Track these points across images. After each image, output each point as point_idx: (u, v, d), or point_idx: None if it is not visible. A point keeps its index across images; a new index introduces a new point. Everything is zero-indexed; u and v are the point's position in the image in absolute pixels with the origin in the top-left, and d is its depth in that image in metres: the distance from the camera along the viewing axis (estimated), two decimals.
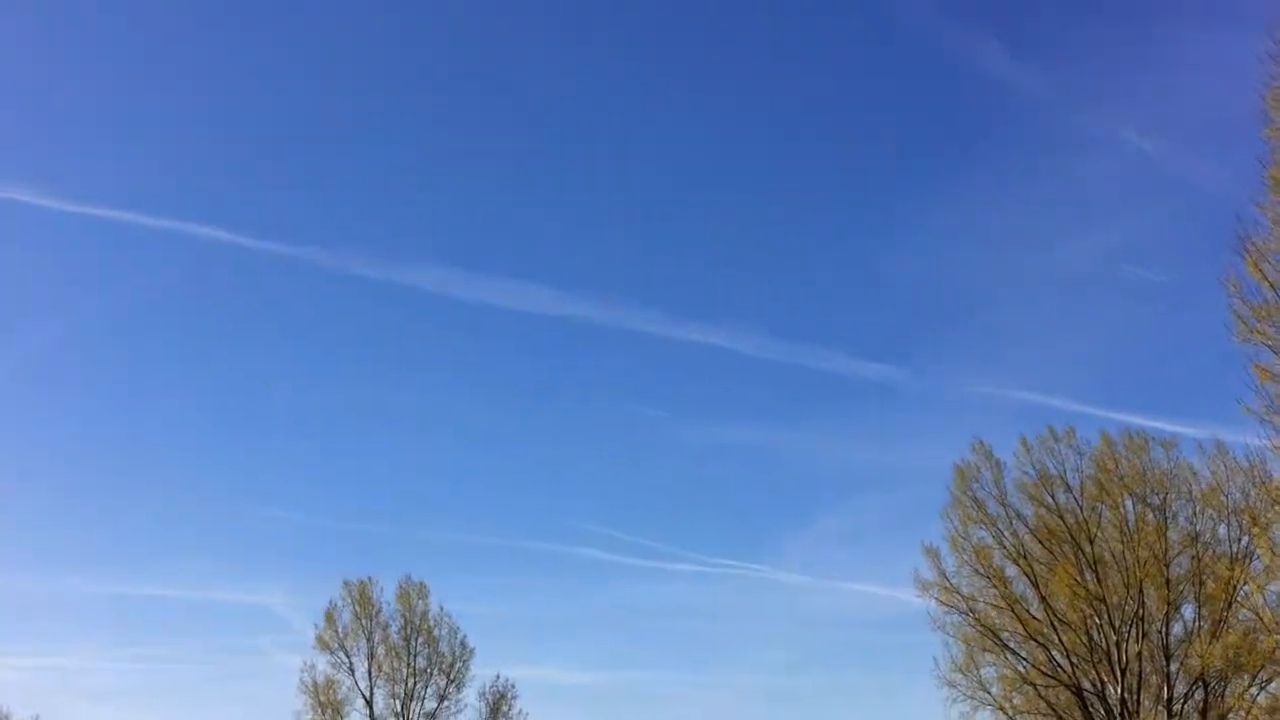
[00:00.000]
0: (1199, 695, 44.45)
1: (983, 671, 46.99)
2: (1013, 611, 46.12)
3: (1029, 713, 47.81)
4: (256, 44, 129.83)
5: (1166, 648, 44.79)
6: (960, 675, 47.28)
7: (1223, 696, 44.11)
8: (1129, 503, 45.07)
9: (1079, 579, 44.77)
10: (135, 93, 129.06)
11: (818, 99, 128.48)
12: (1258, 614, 43.89)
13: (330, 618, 64.27)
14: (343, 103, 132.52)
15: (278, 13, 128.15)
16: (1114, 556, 44.92)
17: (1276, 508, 36.22)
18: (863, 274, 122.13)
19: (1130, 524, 44.62)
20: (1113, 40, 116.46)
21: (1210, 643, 43.11)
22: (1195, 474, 44.65)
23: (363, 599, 64.65)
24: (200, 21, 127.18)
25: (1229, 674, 43.67)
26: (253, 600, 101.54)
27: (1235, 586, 43.27)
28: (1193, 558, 44.39)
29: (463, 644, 64.61)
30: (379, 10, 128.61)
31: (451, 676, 63.99)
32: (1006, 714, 47.85)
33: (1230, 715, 44.06)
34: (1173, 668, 44.66)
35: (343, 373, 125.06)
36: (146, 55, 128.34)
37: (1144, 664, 44.76)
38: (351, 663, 63.85)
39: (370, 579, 65.11)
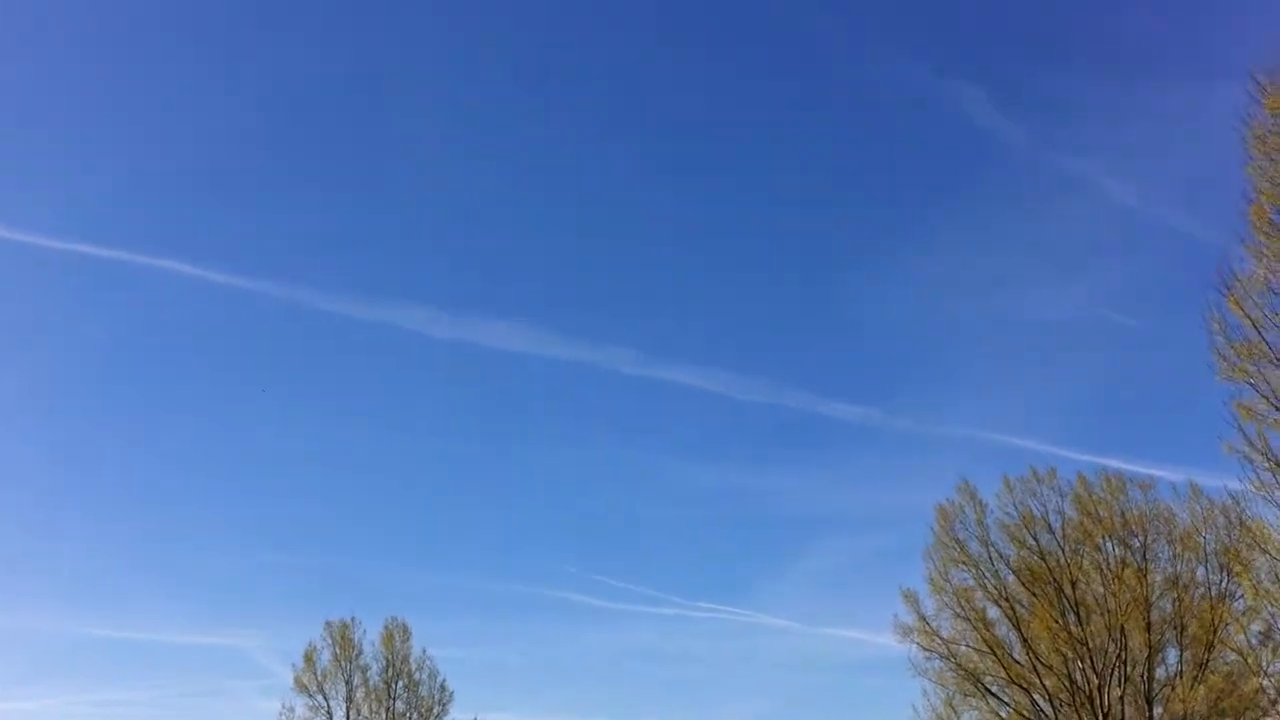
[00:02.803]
0: None
1: (962, 718, 46.79)
2: (995, 655, 45.93)
3: None
4: (238, 82, 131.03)
5: (1149, 691, 44.60)
6: None
7: None
8: (1110, 545, 45.14)
9: (1061, 621, 44.68)
10: (115, 126, 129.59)
11: (801, 144, 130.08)
12: (1241, 654, 43.89)
13: (309, 659, 63.48)
14: (330, 142, 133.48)
15: (261, 53, 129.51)
16: (1096, 599, 44.88)
17: (1256, 547, 36.32)
18: (844, 317, 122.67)
19: (1111, 566, 44.65)
20: (1094, 90, 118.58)
21: (1193, 686, 43.01)
22: (1174, 516, 44.88)
23: (343, 640, 63.96)
24: (185, 60, 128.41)
25: (1212, 718, 43.48)
26: (229, 643, 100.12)
27: (1217, 628, 43.24)
28: (1174, 600, 44.40)
29: (442, 687, 63.83)
30: (358, 51, 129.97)
31: None
32: None
33: None
34: (1156, 712, 44.44)
35: (325, 413, 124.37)
36: (131, 89, 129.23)
37: (1126, 708, 44.53)
38: (329, 706, 62.99)
39: (352, 620, 64.48)
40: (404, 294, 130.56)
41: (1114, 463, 48.64)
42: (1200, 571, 44.18)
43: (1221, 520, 43.45)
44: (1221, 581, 43.54)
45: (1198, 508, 44.29)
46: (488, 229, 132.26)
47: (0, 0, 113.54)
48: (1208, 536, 43.80)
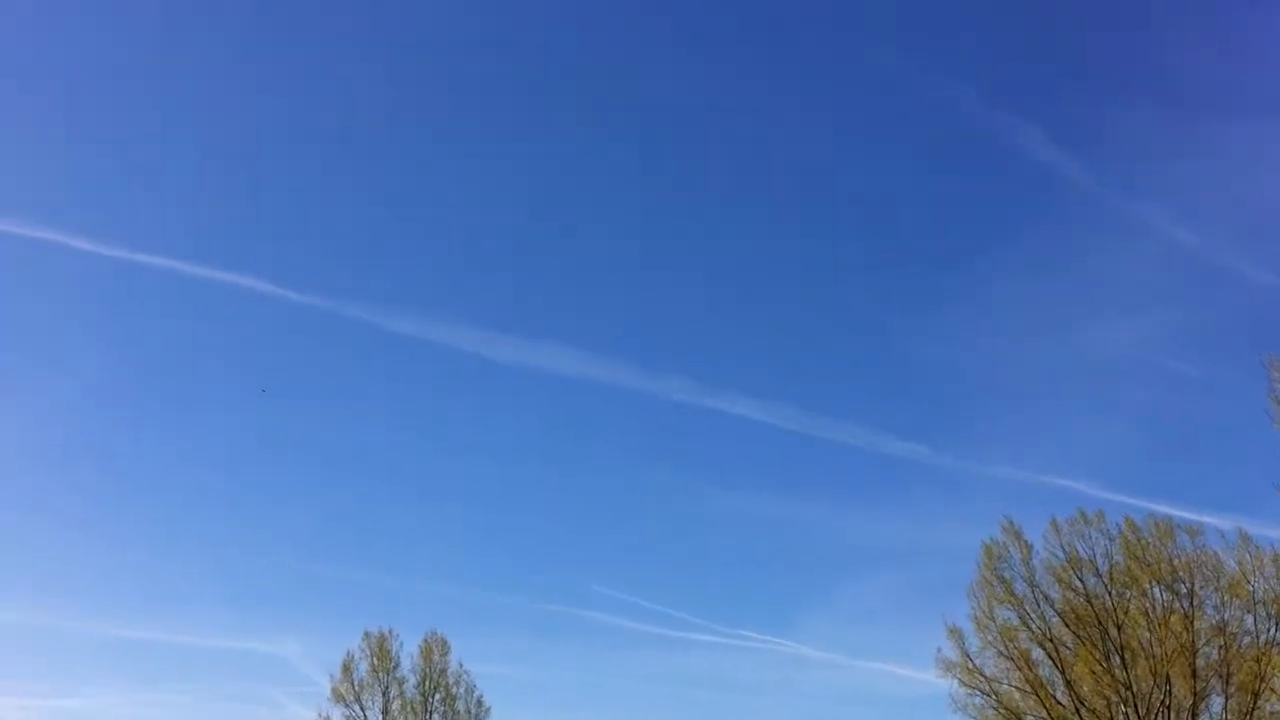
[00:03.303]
0: None
1: None
2: (1037, 695, 45.94)
3: None
4: (276, 96, 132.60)
5: None
6: None
7: None
8: (1156, 590, 45.11)
9: (1105, 665, 44.69)
10: (140, 132, 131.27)
11: (857, 181, 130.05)
12: None
13: (347, 669, 64.13)
14: (368, 157, 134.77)
15: (276, 65, 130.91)
16: (1141, 644, 44.85)
17: None
18: (895, 353, 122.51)
19: (1157, 611, 44.62)
20: (1153, 128, 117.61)
21: None
22: (1221, 563, 44.79)
23: (381, 652, 64.57)
24: (223, 66, 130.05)
25: None
26: (269, 649, 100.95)
27: (1264, 676, 43.12)
28: (1220, 648, 44.29)
29: (479, 702, 64.29)
30: (395, 64, 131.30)
31: None
32: None
33: None
34: None
35: (377, 429, 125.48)
36: (176, 99, 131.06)
37: None
38: (366, 716, 63.68)
39: (390, 631, 65.05)
40: (465, 316, 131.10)
41: (1161, 508, 48.56)
42: (1248, 620, 44.07)
43: (1271, 569, 43.43)
44: (1270, 630, 43.45)
45: (1246, 555, 44.30)
46: (551, 254, 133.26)
47: (50, 14, 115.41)
48: (1256, 584, 43.70)
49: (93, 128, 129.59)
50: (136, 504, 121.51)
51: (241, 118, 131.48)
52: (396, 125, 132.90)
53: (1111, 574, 45.38)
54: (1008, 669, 46.86)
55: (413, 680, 64.22)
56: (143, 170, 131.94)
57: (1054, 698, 46.01)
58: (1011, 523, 47.71)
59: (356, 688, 64.34)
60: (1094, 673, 44.63)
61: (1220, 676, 44.25)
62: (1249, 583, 44.41)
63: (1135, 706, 44.29)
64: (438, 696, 63.80)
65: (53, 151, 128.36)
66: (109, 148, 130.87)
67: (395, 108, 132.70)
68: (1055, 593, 46.10)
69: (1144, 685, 44.45)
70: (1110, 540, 45.74)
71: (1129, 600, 45.35)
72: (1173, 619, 43.98)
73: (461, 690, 63.95)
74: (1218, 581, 44.82)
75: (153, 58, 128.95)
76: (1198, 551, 45.36)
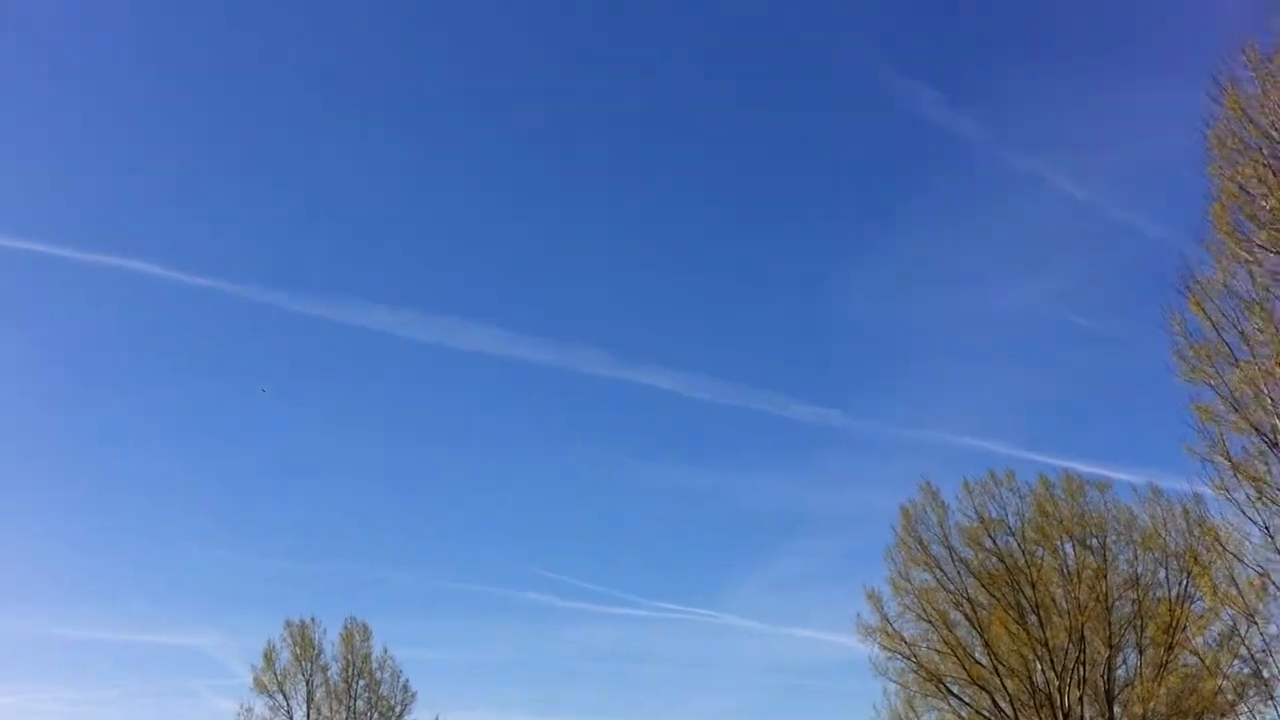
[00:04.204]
0: None
1: (923, 718, 46.60)
2: (956, 656, 45.66)
3: None
4: (221, 87, 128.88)
5: (1109, 692, 44.46)
6: None
7: None
8: (1068, 546, 44.96)
9: (1021, 623, 44.48)
10: (98, 131, 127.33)
11: (757, 145, 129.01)
12: (1199, 656, 43.85)
13: (269, 659, 62.93)
14: (301, 144, 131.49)
15: (245, 57, 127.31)
16: (1054, 600, 44.69)
17: (1216, 549, 36.12)
18: (803, 318, 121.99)
19: (1070, 567, 44.46)
20: (1049, 86, 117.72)
21: (1153, 686, 42.88)
22: (1134, 518, 44.66)
23: (303, 640, 63.31)
24: (143, 56, 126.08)
25: (1173, 718, 43.40)
26: (187, 642, 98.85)
27: (1176, 629, 43.12)
28: (1133, 601, 44.23)
29: (405, 687, 63.40)
30: (336, 55, 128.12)
31: None
32: None
33: None
34: (1115, 712, 44.33)
35: (291, 414, 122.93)
36: (122, 95, 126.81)
37: (1086, 708, 44.41)
38: (289, 705, 62.44)
39: (312, 620, 63.92)
40: (375, 296, 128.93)
41: (1076, 465, 48.39)
42: (1160, 573, 44.01)
43: (1182, 522, 43.34)
44: (1182, 583, 43.39)
45: (1158, 509, 44.14)
46: (461, 231, 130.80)
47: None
48: (1169, 538, 43.60)
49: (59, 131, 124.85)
50: (48, 496, 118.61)
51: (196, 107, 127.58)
52: (327, 103, 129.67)
53: (1024, 532, 45.10)
54: (927, 631, 46.55)
55: (335, 668, 63.13)
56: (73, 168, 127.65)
57: (973, 658, 45.78)
58: (929, 484, 47.32)
59: (279, 677, 63.18)
60: (1010, 631, 44.39)
61: (1135, 629, 44.22)
62: (1161, 535, 44.32)
63: (1051, 663, 44.15)
64: (361, 683, 62.72)
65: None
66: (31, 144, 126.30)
67: (335, 86, 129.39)
68: (970, 554, 45.80)
69: (1060, 641, 44.30)
70: (1022, 499, 45.48)
71: (1042, 558, 45.13)
72: (1085, 574, 43.82)
73: (386, 675, 63.06)
74: (1130, 535, 44.75)
75: (96, 48, 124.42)
76: (1110, 506, 45.30)
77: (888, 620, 46.90)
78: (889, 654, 46.97)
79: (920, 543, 46.79)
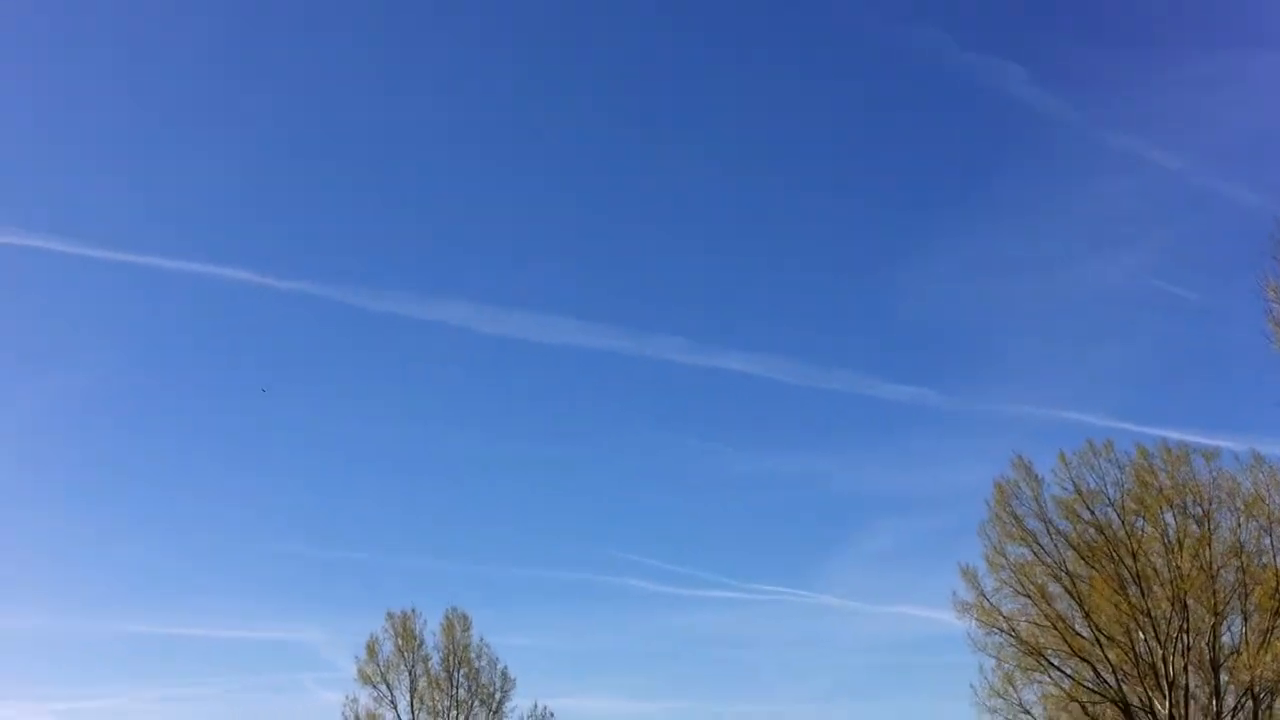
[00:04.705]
0: (1249, 707, 43.91)
1: (1023, 693, 46.69)
2: (1055, 629, 45.72)
3: None
4: (261, 82, 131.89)
5: (1214, 660, 44.33)
6: (999, 700, 47.02)
7: (1271, 708, 43.55)
8: (1169, 516, 44.74)
9: (1122, 593, 44.40)
10: (146, 137, 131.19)
11: (842, 129, 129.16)
12: None
13: (372, 650, 64.56)
14: (358, 140, 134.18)
15: (281, 56, 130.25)
16: (1156, 570, 44.56)
17: None
18: (893, 298, 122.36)
19: (1171, 537, 44.28)
20: (1133, 62, 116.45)
21: (1259, 653, 42.63)
22: (1237, 485, 44.32)
23: (405, 631, 64.92)
24: (209, 64, 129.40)
25: (1279, 685, 43.15)
26: (292, 637, 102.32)
27: None
28: (1238, 569, 43.94)
29: (504, 674, 64.71)
30: (392, 52, 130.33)
31: (493, 708, 64.04)
32: None
33: None
34: (1221, 680, 44.19)
35: (380, 411, 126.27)
36: (153, 96, 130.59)
37: (1191, 677, 44.30)
38: (394, 696, 64.06)
39: (413, 610, 65.44)
40: (457, 293, 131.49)
41: (1172, 434, 48.05)
42: (1265, 540, 43.70)
43: None
44: None
45: (1260, 475, 43.85)
46: (532, 224, 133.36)
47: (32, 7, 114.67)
48: (1273, 503, 43.24)
49: (62, 128, 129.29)
50: (145, 501, 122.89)
51: (228, 113, 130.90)
52: (389, 101, 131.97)
53: (1124, 503, 44.99)
54: (1025, 605, 46.65)
55: (436, 658, 64.65)
56: (118, 169, 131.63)
57: (1073, 630, 45.82)
58: (1021, 458, 47.32)
59: (382, 668, 64.80)
60: (1112, 602, 44.34)
61: (1239, 597, 43.96)
62: (1265, 501, 43.99)
63: (1154, 632, 44.07)
64: (462, 672, 64.21)
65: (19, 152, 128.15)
66: (82, 148, 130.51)
67: (374, 90, 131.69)
68: (1067, 526, 45.78)
69: (1162, 611, 44.19)
70: (1120, 469, 45.35)
71: (1142, 529, 45.00)
72: (1188, 543, 43.63)
73: (484, 664, 64.39)
74: (1233, 503, 44.43)
75: (134, 49, 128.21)
76: (1214, 475, 44.93)
77: (984, 595, 47.15)
78: (986, 629, 47.18)
79: (1015, 517, 46.90)
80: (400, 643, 64.94)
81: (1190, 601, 44.15)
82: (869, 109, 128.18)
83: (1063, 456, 46.03)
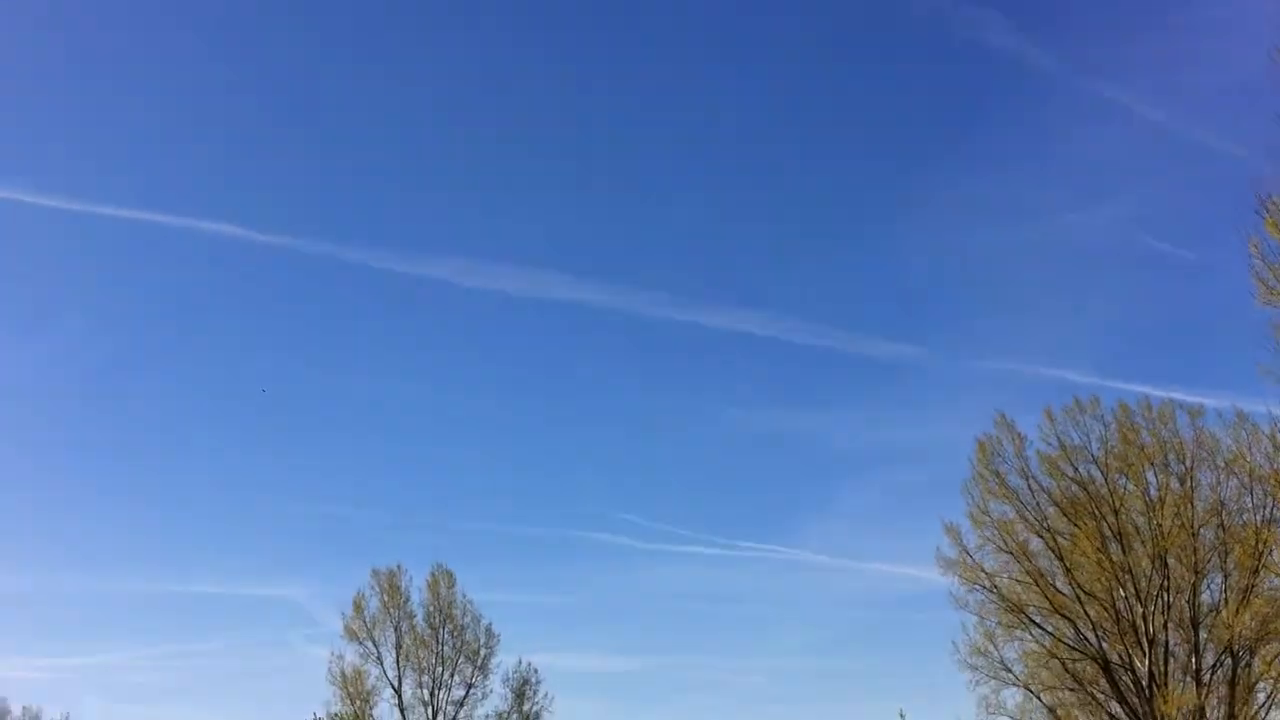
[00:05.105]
0: (1228, 665, 44.12)
1: (1004, 650, 46.94)
2: (1037, 585, 45.88)
3: (1055, 688, 47.64)
4: (264, 44, 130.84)
5: (1194, 618, 44.49)
6: (980, 658, 47.31)
7: (1250, 665, 43.79)
8: (1151, 473, 44.82)
9: (1103, 550, 44.54)
10: (149, 95, 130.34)
11: (824, 81, 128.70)
12: None
13: (358, 607, 64.83)
14: (353, 99, 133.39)
15: (286, 17, 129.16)
16: (1137, 528, 44.69)
17: None
18: (877, 253, 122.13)
19: (1153, 494, 44.36)
20: (1117, 10, 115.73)
21: (1238, 611, 42.81)
22: (1218, 442, 44.38)
23: (390, 588, 65.17)
24: (207, 24, 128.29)
25: (1258, 643, 43.36)
26: (279, 594, 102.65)
27: (1263, 553, 42.95)
28: (1218, 526, 44.07)
29: (488, 631, 65.11)
30: (390, 11, 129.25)
31: (478, 664, 64.43)
32: (1032, 691, 47.73)
33: (1259, 684, 43.76)
34: (1201, 637, 44.39)
35: (362, 365, 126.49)
36: (156, 55, 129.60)
37: (1171, 635, 44.53)
38: (379, 652, 64.40)
39: (398, 567, 65.74)
40: (434, 247, 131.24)
41: (1155, 391, 48.15)
42: (1246, 498, 43.78)
43: (1268, 445, 42.98)
44: (1268, 507, 43.17)
45: (1242, 433, 43.83)
46: (519, 178, 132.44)
47: None
48: (1254, 461, 43.30)
49: (58, 86, 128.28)
50: (135, 460, 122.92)
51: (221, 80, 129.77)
52: (386, 63, 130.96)
53: (1107, 459, 45.06)
54: (1007, 562, 46.79)
55: (421, 615, 64.89)
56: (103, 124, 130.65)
57: (1054, 587, 45.97)
58: (1004, 416, 47.40)
59: (369, 625, 65.10)
60: (1093, 559, 44.48)
61: (1219, 555, 44.12)
62: (1247, 459, 44.02)
63: (1135, 589, 44.24)
64: (447, 629, 64.51)
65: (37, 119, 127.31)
66: (75, 103, 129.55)
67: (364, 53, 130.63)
68: (1050, 482, 45.89)
69: (1143, 568, 44.35)
70: (1105, 426, 45.41)
71: (1125, 485, 45.09)
72: (1169, 500, 43.72)
73: (469, 621, 64.70)
74: (1214, 461, 44.51)
75: (140, 22, 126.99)
76: (1196, 432, 45.01)
77: (967, 553, 47.28)
78: (969, 586, 47.36)
79: (998, 475, 47.00)
80: (386, 599, 65.20)
81: (1171, 559, 44.30)
82: (849, 62, 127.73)
83: (1048, 412, 46.18)
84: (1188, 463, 44.32)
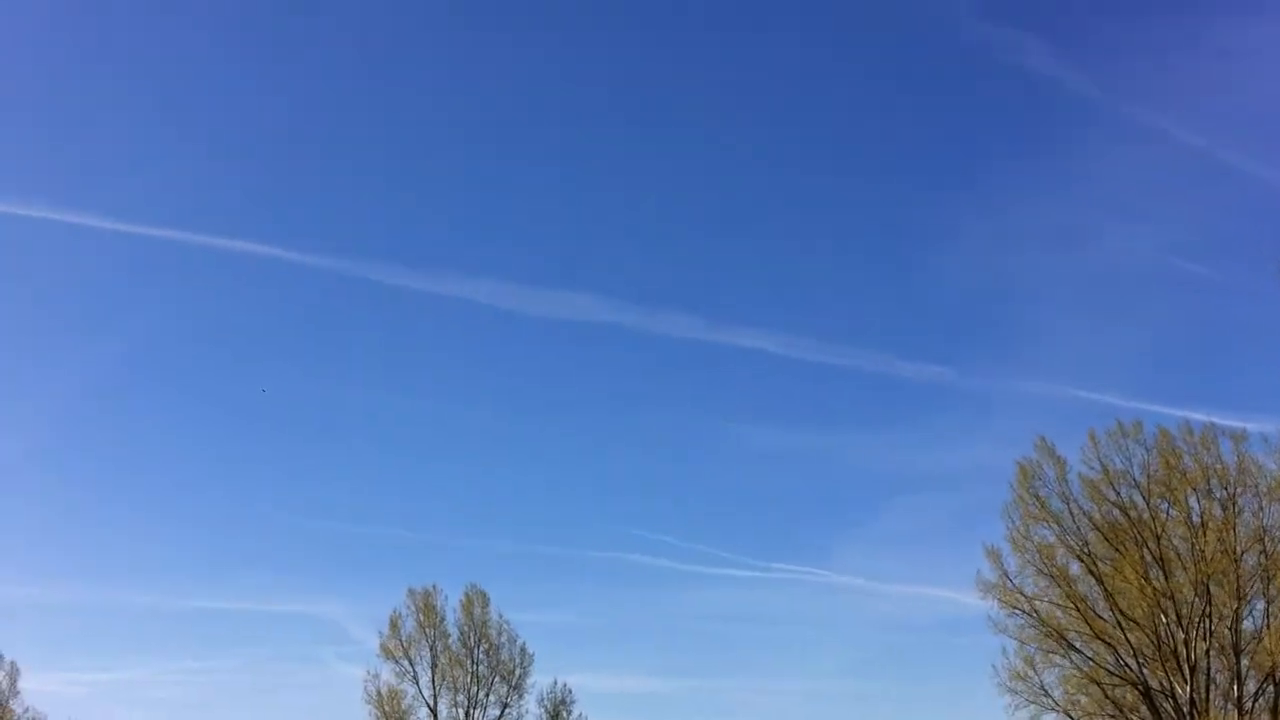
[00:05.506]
0: (1270, 692, 43.99)
1: (1044, 675, 46.85)
2: (1078, 610, 45.88)
3: (1095, 714, 47.51)
4: (287, 65, 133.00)
5: (1236, 645, 44.43)
6: (1020, 682, 47.21)
7: None
8: (1194, 499, 44.85)
9: (1145, 576, 44.53)
10: (148, 100, 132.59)
11: (861, 104, 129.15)
12: None
13: (394, 626, 65.25)
14: (354, 116, 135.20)
15: (306, 37, 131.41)
16: (1179, 553, 44.68)
17: None
18: (912, 276, 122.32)
19: (1196, 519, 44.38)
20: (1154, 34, 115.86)
21: None
22: (1261, 467, 44.41)
23: (426, 607, 65.57)
24: (232, 43, 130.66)
25: None
26: (313, 611, 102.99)
27: None
28: (1260, 553, 44.04)
29: (523, 650, 65.36)
30: (417, 29, 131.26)
31: (513, 684, 64.66)
32: (1072, 717, 47.61)
33: None
34: (1243, 664, 44.27)
35: (401, 388, 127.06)
36: (186, 75, 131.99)
37: (1213, 661, 44.43)
38: (415, 671, 64.72)
39: (434, 587, 66.14)
40: (468, 269, 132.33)
41: (1191, 415, 48.06)
42: None
43: None
44: None
45: None
46: (549, 202, 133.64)
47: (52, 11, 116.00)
48: None
49: (91, 109, 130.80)
50: (171, 476, 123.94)
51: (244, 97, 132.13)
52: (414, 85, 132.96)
53: (1149, 484, 45.14)
54: (1046, 587, 46.86)
55: (455, 634, 65.24)
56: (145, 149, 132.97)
57: (1094, 611, 45.97)
58: (1045, 440, 47.62)
59: (404, 644, 65.44)
60: (1135, 584, 44.46)
61: (1261, 581, 44.07)
62: None
63: (1176, 615, 44.19)
64: (482, 648, 64.82)
65: (53, 134, 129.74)
66: (109, 129, 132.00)
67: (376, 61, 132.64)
68: (1091, 506, 45.96)
69: (1185, 595, 44.31)
70: (1147, 450, 45.50)
71: (1166, 511, 45.12)
72: (1211, 526, 43.73)
73: (504, 641, 65.00)
74: (1256, 487, 44.51)
75: (156, 35, 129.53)
76: (1238, 456, 44.98)
77: (1008, 576, 47.37)
78: (1009, 610, 47.33)
79: (1038, 499, 47.12)
80: (422, 619, 65.61)
81: (1213, 586, 44.26)
82: (886, 85, 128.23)
83: (1092, 434, 46.29)
84: (1230, 488, 44.37)
